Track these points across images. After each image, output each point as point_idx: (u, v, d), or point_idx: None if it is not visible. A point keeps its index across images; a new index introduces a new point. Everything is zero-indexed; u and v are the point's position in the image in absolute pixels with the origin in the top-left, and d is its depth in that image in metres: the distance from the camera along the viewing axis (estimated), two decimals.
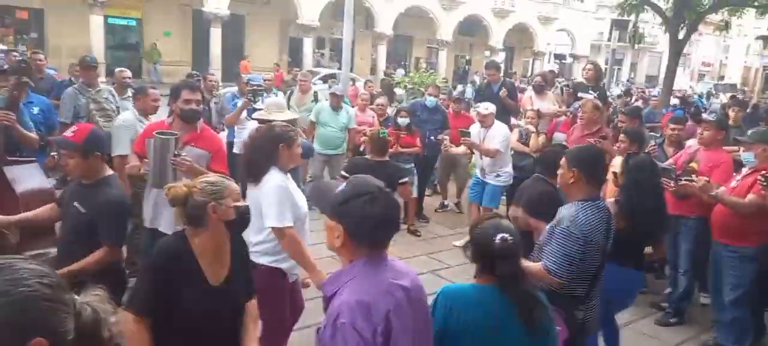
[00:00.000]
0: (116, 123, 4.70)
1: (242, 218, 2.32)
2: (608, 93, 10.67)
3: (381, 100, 7.87)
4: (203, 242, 2.26)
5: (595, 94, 7.32)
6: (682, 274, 4.79)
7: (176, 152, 3.39)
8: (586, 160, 2.88)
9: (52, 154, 5.21)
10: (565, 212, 2.80)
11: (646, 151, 4.91)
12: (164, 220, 3.66)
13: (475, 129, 6.40)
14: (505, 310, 2.04)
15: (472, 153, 6.73)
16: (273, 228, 3.00)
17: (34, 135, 4.32)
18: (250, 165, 3.16)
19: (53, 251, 3.29)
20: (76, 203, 2.87)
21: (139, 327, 2.20)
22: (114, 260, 2.98)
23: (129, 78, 6.66)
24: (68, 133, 2.95)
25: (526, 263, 2.72)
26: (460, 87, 19.70)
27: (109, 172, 3.01)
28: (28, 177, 3.69)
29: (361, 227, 1.65)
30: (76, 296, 1.12)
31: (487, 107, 6.31)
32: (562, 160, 2.92)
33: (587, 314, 2.86)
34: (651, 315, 4.94)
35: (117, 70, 6.74)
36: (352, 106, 7.87)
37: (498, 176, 6.29)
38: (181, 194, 2.23)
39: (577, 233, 2.69)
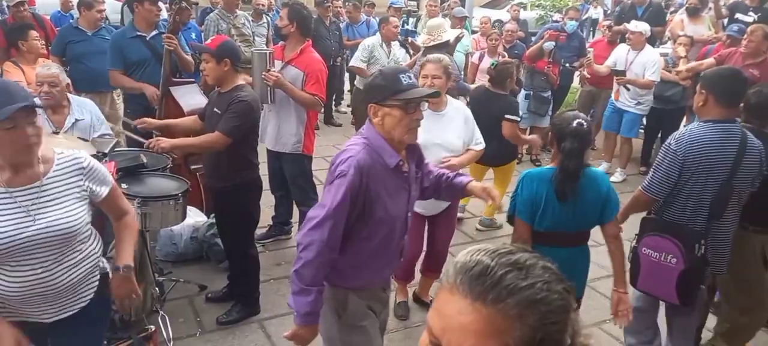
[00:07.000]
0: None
1: None
2: None
3: (510, 26, 7.53)
4: None
5: (757, 16, 6.50)
6: None
7: (268, 67, 3.69)
8: (715, 80, 2.77)
9: None
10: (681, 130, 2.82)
11: None
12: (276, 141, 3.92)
13: (622, 51, 5.95)
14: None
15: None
16: None
17: (189, 57, 4.55)
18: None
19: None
20: (215, 108, 3.21)
21: None
22: (254, 176, 3.33)
23: (263, 5, 6.97)
24: (207, 41, 3.32)
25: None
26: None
27: (242, 82, 3.30)
28: (190, 96, 4.06)
29: None
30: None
31: (637, 26, 5.79)
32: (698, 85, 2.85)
33: (711, 253, 2.75)
34: None
35: None
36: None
37: (638, 103, 5.89)
38: None
39: (678, 151, 2.66)
